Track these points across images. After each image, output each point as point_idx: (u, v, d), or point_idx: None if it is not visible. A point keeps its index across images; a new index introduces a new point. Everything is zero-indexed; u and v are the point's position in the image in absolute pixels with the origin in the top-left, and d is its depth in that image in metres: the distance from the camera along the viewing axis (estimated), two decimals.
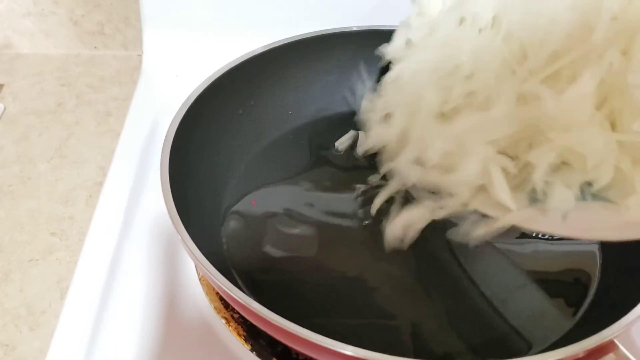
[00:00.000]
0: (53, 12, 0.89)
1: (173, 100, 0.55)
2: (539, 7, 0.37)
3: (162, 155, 0.48)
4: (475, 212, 0.40)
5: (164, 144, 0.49)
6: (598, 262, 0.53)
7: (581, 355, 0.37)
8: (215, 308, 0.50)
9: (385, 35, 0.50)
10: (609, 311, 0.45)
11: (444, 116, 0.42)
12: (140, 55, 0.83)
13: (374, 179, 0.54)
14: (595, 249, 0.54)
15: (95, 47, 0.93)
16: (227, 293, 0.39)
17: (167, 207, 0.44)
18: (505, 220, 0.39)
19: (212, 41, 0.80)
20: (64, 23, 0.90)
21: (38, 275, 0.60)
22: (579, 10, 0.36)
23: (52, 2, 0.87)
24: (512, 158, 0.39)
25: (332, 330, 0.37)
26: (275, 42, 0.64)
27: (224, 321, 0.49)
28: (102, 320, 0.51)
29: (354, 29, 0.65)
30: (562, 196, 0.36)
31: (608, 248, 0.52)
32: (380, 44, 0.50)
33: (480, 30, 0.41)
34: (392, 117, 0.46)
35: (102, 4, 0.88)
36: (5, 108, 0.82)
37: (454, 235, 0.41)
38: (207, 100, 0.56)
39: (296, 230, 0.56)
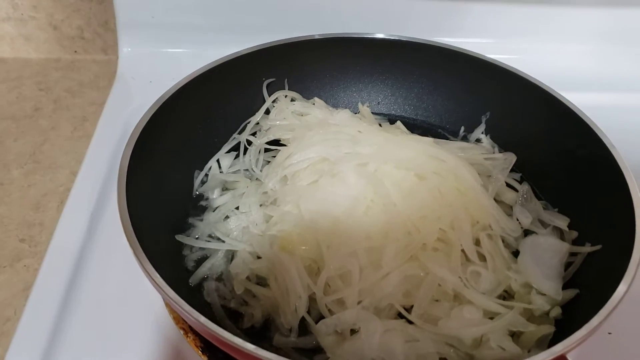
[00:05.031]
0: (32, 16, 0.88)
1: (146, 106, 0.54)
2: None
3: (119, 170, 0.47)
4: None
5: (122, 155, 0.48)
6: None
7: None
8: (174, 318, 0.49)
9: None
10: (560, 326, 0.45)
11: None
12: None
13: None
14: None
15: (75, 52, 0.93)
16: (178, 308, 0.39)
17: (121, 219, 0.44)
18: None
19: (186, 47, 0.80)
20: (43, 28, 0.90)
21: (4, 283, 0.60)
22: None
23: (31, 6, 0.87)
24: None
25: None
26: (246, 49, 0.63)
27: (182, 332, 0.48)
28: (61, 328, 0.51)
29: (316, 36, 0.65)
30: None
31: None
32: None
33: None
34: None
35: (82, 9, 0.88)
36: None
37: None
38: (172, 108, 0.55)
39: None
